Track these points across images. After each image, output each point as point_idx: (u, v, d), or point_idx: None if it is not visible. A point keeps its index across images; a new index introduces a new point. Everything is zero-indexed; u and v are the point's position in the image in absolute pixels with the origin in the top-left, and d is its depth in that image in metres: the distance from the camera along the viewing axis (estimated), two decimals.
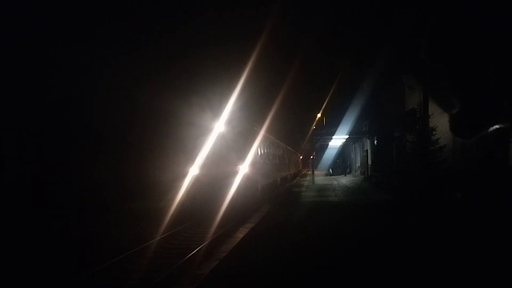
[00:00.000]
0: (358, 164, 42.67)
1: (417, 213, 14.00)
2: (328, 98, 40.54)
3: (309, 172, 40.79)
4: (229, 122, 15.51)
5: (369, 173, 32.73)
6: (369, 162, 33.49)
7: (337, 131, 37.48)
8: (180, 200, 14.55)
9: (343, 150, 50.53)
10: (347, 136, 37.95)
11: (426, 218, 12.96)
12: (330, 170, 48.21)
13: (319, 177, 42.04)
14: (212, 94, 15.56)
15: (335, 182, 33.08)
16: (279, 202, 19.00)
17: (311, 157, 42.86)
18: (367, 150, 34.91)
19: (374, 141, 31.88)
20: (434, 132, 16.56)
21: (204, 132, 15.16)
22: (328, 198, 20.63)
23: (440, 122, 16.63)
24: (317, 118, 43.41)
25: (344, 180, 36.22)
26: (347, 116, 36.60)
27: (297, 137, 48.90)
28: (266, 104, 23.21)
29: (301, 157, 54.80)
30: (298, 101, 44.70)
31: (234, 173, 15.02)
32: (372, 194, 22.05)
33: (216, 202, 14.25)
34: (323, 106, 41.56)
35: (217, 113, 15.29)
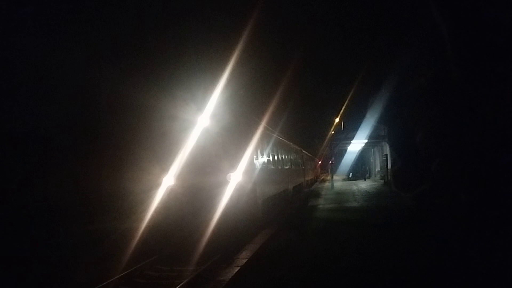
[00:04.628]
0: (378, 168, 38.79)
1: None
2: (346, 102, 35.91)
3: (328, 177, 36.17)
4: (218, 114, 10.26)
5: (389, 178, 29.29)
6: (389, 166, 29.60)
7: (356, 136, 34.15)
8: (149, 221, 9.50)
9: (362, 155, 46.15)
10: (366, 141, 34.56)
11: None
12: (350, 174, 44.00)
13: (338, 182, 37.60)
14: (195, 75, 10.37)
15: (354, 188, 29.51)
16: (287, 221, 13.02)
17: (330, 162, 38.23)
18: (386, 155, 31.49)
19: None
20: None
21: (183, 128, 9.99)
22: (350, 211, 15.31)
23: None
24: (335, 123, 38.86)
25: (364, 185, 32.54)
26: (366, 120, 32.58)
27: (315, 142, 43.91)
28: (275, 98, 17.29)
29: (319, 162, 49.87)
30: (316, 106, 39.75)
31: (224, 183, 9.72)
32: (393, 198, 18.60)
33: (198, 224, 9.15)
34: (342, 111, 36.84)
35: (201, 102, 10.10)
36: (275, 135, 15.45)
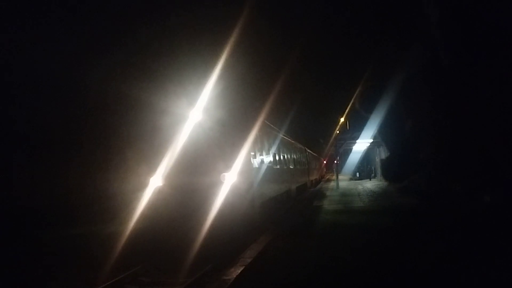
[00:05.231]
0: None
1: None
2: (351, 102, 35.08)
3: (333, 177, 35.25)
4: (211, 108, 9.22)
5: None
6: None
7: (361, 135, 33.80)
8: (135, 225, 8.52)
9: (368, 154, 45.10)
10: (371, 140, 34.21)
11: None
12: (357, 174, 43.22)
13: (344, 181, 36.57)
14: (187, 67, 9.34)
15: (360, 187, 28.33)
16: (290, 224, 11.85)
17: (335, 161, 37.40)
18: None
19: None
20: None
21: (172, 123, 8.98)
22: (355, 212, 14.36)
23: None
24: (340, 123, 38.08)
25: (369, 184, 31.25)
26: (371, 120, 31.96)
27: (320, 141, 42.99)
28: (278, 94, 15.98)
29: (324, 162, 48.96)
30: (321, 106, 38.80)
31: (217, 184, 8.72)
32: (398, 198, 18.51)
33: (189, 229, 8.15)
34: (347, 111, 35.98)
35: (193, 94, 9.08)
36: (276, 133, 14.40)
